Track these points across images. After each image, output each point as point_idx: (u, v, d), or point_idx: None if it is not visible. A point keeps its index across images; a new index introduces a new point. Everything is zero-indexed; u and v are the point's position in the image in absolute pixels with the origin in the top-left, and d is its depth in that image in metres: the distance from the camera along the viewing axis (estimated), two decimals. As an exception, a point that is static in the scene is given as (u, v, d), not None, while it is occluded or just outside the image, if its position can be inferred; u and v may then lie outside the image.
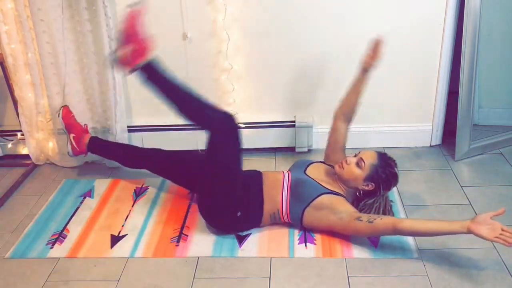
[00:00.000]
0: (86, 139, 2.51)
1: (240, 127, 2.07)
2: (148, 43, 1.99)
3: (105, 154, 2.58)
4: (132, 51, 1.97)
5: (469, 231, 1.74)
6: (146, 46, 2.00)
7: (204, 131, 2.06)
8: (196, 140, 2.75)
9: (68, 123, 2.50)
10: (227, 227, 2.13)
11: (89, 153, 2.55)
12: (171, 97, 2.06)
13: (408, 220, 1.91)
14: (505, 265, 1.90)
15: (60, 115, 2.49)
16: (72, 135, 2.50)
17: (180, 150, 2.57)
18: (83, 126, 2.55)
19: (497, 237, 1.70)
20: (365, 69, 2.26)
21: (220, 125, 2.03)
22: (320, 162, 2.28)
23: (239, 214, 2.06)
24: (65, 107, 2.52)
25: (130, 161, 2.52)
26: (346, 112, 2.33)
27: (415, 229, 1.84)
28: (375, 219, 1.90)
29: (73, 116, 2.54)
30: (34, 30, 2.44)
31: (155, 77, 2.04)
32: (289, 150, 2.82)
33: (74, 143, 2.49)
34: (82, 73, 2.61)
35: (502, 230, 1.71)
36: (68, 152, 2.54)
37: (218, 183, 2.05)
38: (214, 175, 2.06)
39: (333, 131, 2.37)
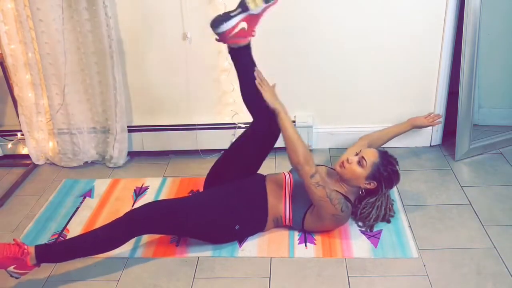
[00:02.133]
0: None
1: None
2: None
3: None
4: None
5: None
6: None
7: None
8: (196, 140, 2.75)
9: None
10: (228, 240, 2.11)
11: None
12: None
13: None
14: (505, 265, 1.90)
15: None
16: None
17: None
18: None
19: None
20: (415, 127, 2.56)
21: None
22: (322, 165, 2.27)
23: (237, 227, 2.05)
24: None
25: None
26: (372, 144, 2.39)
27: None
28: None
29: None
30: (34, 30, 2.44)
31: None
32: (289, 150, 2.82)
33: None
34: (82, 73, 2.61)
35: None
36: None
37: (213, 204, 2.03)
38: (227, 184, 2.09)
39: (354, 149, 2.29)
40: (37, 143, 2.76)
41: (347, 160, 2.08)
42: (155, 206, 2.01)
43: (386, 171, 2.05)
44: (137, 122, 2.80)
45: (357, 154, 2.09)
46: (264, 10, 2.01)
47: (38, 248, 1.88)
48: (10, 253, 1.82)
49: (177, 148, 2.78)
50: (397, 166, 2.09)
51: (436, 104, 2.69)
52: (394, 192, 2.37)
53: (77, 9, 2.44)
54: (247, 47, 2.07)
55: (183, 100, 2.73)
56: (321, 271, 1.92)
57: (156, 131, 2.77)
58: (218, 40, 2.05)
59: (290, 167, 2.30)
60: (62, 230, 2.24)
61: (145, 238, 2.15)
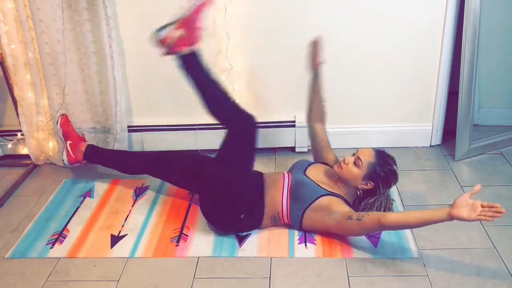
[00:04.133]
0: (83, 147, 2.50)
1: (258, 131, 2.10)
2: (199, 34, 1.98)
3: (102, 162, 2.54)
4: (181, 36, 1.97)
5: (451, 217, 1.73)
6: (197, 36, 2.00)
7: (225, 128, 2.11)
8: (196, 140, 2.75)
9: (66, 130, 2.50)
10: (229, 227, 2.13)
11: (84, 162, 2.52)
12: (202, 90, 2.08)
13: (392, 214, 1.92)
14: (505, 265, 1.90)
15: (59, 123, 2.50)
16: (69, 142, 2.49)
17: (179, 152, 2.56)
18: (80, 135, 2.55)
19: (478, 215, 1.69)
20: (314, 73, 2.34)
21: (243, 126, 2.06)
22: (320, 163, 2.28)
23: (242, 216, 2.06)
24: (64, 115, 2.53)
25: (128, 168, 2.48)
26: (317, 114, 2.39)
27: (399, 222, 1.84)
28: (363, 216, 1.89)
29: (72, 125, 2.55)
30: (34, 30, 2.44)
31: (193, 68, 2.07)
32: (289, 150, 2.82)
33: (70, 151, 2.48)
34: (82, 73, 2.61)
35: (482, 206, 1.70)
36: (63, 161, 2.52)
37: (227, 185, 2.05)
38: (225, 176, 2.06)
39: (314, 136, 2.39)
40: (37, 143, 2.76)
41: (344, 160, 2.08)
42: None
43: (383, 171, 2.04)
44: (137, 122, 2.80)
45: (354, 155, 2.10)
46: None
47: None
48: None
49: (177, 148, 2.78)
50: (394, 166, 2.08)
51: (436, 104, 2.69)
52: (394, 192, 2.37)
53: (77, 9, 2.44)
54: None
55: (183, 100, 2.73)
56: (321, 271, 1.92)
57: (156, 131, 2.77)
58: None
59: (289, 166, 2.31)
60: (62, 230, 2.24)
61: (145, 238, 2.15)
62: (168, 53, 2.03)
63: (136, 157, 2.49)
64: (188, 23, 1.98)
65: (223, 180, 2.06)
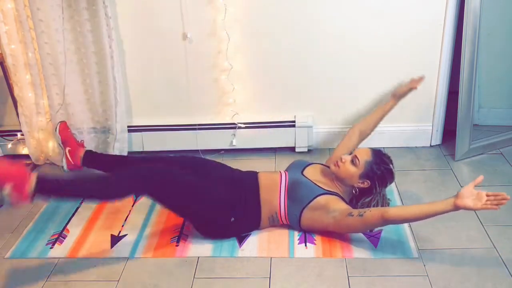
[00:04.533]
0: (81, 153, 2.49)
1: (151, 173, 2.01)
2: (20, 168, 1.80)
3: (101, 168, 2.45)
4: (12, 186, 1.75)
5: (456, 207, 1.75)
6: (22, 172, 1.79)
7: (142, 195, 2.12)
8: (196, 140, 2.75)
9: (65, 137, 2.51)
10: (225, 234, 2.12)
11: (84, 167, 2.50)
12: (83, 191, 1.93)
13: (395, 208, 1.93)
14: (505, 265, 1.90)
15: (57, 130, 2.51)
16: (68, 149, 2.50)
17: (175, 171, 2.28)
18: (79, 142, 2.56)
19: (484, 205, 1.71)
20: (399, 97, 2.47)
21: (142, 182, 1.96)
22: (318, 163, 2.27)
23: (232, 219, 2.05)
24: (63, 123, 2.55)
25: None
26: (364, 130, 2.42)
27: (403, 216, 1.85)
28: (364, 212, 1.91)
29: (70, 131, 2.56)
30: (34, 30, 2.44)
31: (51, 186, 1.88)
32: (289, 150, 2.82)
33: (69, 157, 2.49)
34: (82, 73, 2.61)
35: (487, 196, 1.72)
36: (62, 167, 2.54)
37: (196, 203, 2.03)
38: (193, 199, 2.03)
39: (346, 142, 2.39)
40: (37, 143, 2.76)
41: (341, 159, 2.09)
42: (160, 169, 2.04)
43: (379, 169, 2.06)
44: (137, 122, 2.80)
45: (350, 153, 2.10)
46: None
47: (41, 174, 1.85)
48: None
49: (177, 148, 2.78)
50: (390, 165, 2.09)
51: (436, 104, 2.69)
52: (394, 192, 2.37)
53: (77, 9, 2.44)
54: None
55: (183, 100, 2.73)
56: (321, 271, 1.92)
57: (156, 131, 2.77)
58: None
59: (287, 166, 2.31)
60: (62, 230, 2.24)
61: (145, 238, 2.15)
62: (31, 200, 1.81)
63: (135, 163, 2.33)
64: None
65: (197, 200, 2.03)
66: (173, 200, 2.04)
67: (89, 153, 2.50)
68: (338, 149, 2.38)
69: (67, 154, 2.49)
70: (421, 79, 2.49)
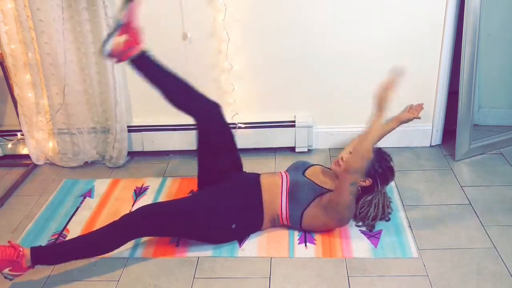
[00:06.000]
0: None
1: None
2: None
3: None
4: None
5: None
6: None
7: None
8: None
9: (131, 20, 2.04)
10: (226, 239, 2.11)
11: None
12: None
13: (346, 154, 2.08)
14: (505, 265, 1.90)
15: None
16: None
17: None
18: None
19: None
20: (402, 122, 2.54)
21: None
22: (318, 165, 2.27)
23: (233, 226, 2.05)
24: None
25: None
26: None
27: (356, 153, 1.88)
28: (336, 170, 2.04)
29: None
30: (34, 30, 2.44)
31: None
32: (289, 150, 2.82)
33: (122, 47, 2.05)
34: (82, 73, 2.61)
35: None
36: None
37: (207, 202, 2.04)
38: (204, 204, 2.04)
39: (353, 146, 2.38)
40: (37, 143, 2.76)
41: (342, 158, 2.10)
42: (149, 210, 1.99)
43: (381, 167, 2.06)
44: (137, 122, 2.80)
45: (351, 153, 2.10)
46: (129, 15, 1.99)
47: (34, 250, 1.87)
48: (5, 255, 1.82)
49: (177, 148, 2.78)
50: (391, 162, 2.10)
51: (436, 104, 2.69)
52: (394, 192, 2.37)
53: (77, 9, 2.44)
54: (144, 55, 2.06)
55: (183, 100, 2.73)
56: (321, 271, 1.92)
57: (156, 131, 2.77)
58: (117, 61, 2.08)
59: (287, 166, 2.31)
60: (62, 230, 2.24)
61: (145, 238, 2.15)
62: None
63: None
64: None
65: (202, 209, 2.03)
66: (174, 232, 2.06)
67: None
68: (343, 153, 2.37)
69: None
70: (420, 106, 2.60)
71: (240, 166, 2.30)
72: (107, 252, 1.97)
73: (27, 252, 1.86)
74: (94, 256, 2.00)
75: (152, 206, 2.03)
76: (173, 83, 2.12)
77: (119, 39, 1.99)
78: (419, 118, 2.57)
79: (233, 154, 2.25)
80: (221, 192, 2.09)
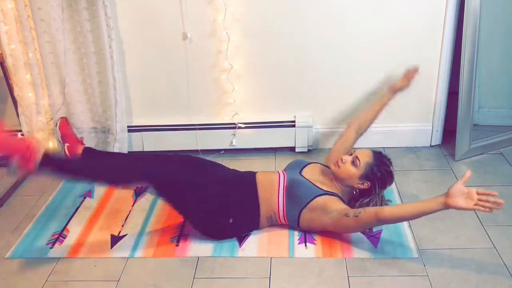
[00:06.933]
0: (80, 149, 2.49)
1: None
2: (28, 142, 1.93)
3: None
4: (20, 158, 1.89)
5: (447, 207, 1.71)
6: (29, 146, 1.92)
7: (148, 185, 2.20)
8: (196, 140, 2.75)
9: (64, 133, 2.50)
10: (225, 234, 2.12)
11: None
12: (92, 176, 2.08)
13: (388, 207, 1.91)
14: (505, 265, 1.90)
15: (57, 125, 2.51)
16: (66, 145, 2.49)
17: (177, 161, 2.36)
18: (79, 138, 2.56)
19: (476, 205, 1.67)
20: (396, 91, 2.43)
21: (152, 173, 2.08)
22: (317, 163, 2.27)
23: (231, 221, 2.05)
24: (63, 118, 2.55)
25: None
26: (361, 126, 2.40)
27: (396, 215, 1.84)
28: (360, 212, 1.90)
29: (71, 127, 2.57)
30: (35, 30, 2.44)
31: (58, 163, 2.04)
32: (289, 150, 2.82)
33: (68, 153, 2.48)
34: (82, 73, 2.61)
35: (478, 194, 1.67)
36: None
37: (200, 201, 2.05)
38: (195, 195, 2.06)
39: (343, 140, 2.38)
40: (37, 143, 2.75)
41: (341, 159, 2.09)
42: (162, 174, 2.09)
43: (380, 171, 2.06)
44: (137, 122, 2.80)
45: (351, 154, 2.10)
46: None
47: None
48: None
49: (177, 148, 2.78)
50: (391, 167, 2.10)
51: (436, 104, 2.69)
52: (394, 192, 2.37)
53: (77, 9, 2.44)
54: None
55: (183, 100, 2.73)
56: (321, 271, 1.92)
57: (156, 131, 2.77)
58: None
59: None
60: (62, 230, 2.24)
61: (145, 238, 2.15)
62: (36, 171, 1.95)
63: (132, 161, 2.42)
64: (7, 148, 1.92)
65: (196, 198, 2.05)
66: (175, 195, 2.07)
67: (88, 149, 2.50)
68: (336, 148, 2.37)
69: (66, 150, 2.48)
70: (416, 70, 2.45)
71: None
72: (105, 182, 2.17)
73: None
74: (101, 181, 2.16)
75: (163, 173, 2.11)
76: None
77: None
78: (413, 78, 2.43)
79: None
80: (221, 186, 2.09)
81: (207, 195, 2.05)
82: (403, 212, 1.84)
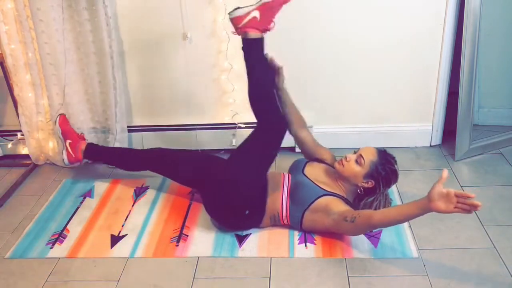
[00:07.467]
0: (83, 145, 2.51)
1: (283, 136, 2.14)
2: (272, 25, 2.07)
3: (104, 160, 2.59)
4: (255, 18, 2.00)
5: (429, 210, 1.68)
6: (269, 25, 2.06)
7: (257, 123, 2.13)
8: (196, 140, 2.75)
9: (65, 129, 2.50)
10: (231, 224, 2.13)
11: (84, 161, 2.56)
12: (254, 79, 2.11)
13: (379, 213, 1.87)
14: (505, 265, 1.90)
15: (57, 122, 2.50)
16: (68, 141, 2.50)
17: (179, 149, 2.54)
18: (79, 134, 2.56)
19: (456, 208, 1.62)
20: (279, 87, 2.27)
21: (275, 124, 2.12)
22: (322, 163, 2.26)
23: (247, 212, 2.06)
24: (62, 115, 2.54)
25: (129, 165, 2.50)
26: (297, 123, 2.34)
27: (385, 220, 1.82)
28: (355, 218, 1.87)
29: (70, 124, 2.56)
30: (34, 30, 2.44)
31: (254, 54, 2.10)
32: (289, 150, 2.82)
33: (70, 150, 2.50)
34: (82, 73, 2.61)
35: (456, 196, 1.62)
36: (63, 160, 2.53)
37: (236, 187, 2.04)
38: (237, 178, 2.06)
39: (302, 143, 2.36)
40: (37, 143, 2.76)
41: (346, 158, 2.08)
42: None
43: (384, 170, 2.05)
44: (137, 122, 2.80)
45: (355, 153, 2.10)
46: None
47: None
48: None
49: (177, 148, 2.78)
50: (395, 165, 2.09)
51: (436, 104, 2.69)
52: (394, 193, 2.37)
53: (77, 9, 2.44)
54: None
55: (183, 100, 2.73)
56: (321, 271, 1.92)
57: (156, 131, 2.77)
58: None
59: (288, 166, 2.31)
60: (62, 230, 2.24)
61: (145, 238, 2.15)
62: (237, 32, 2.06)
63: (136, 153, 2.51)
64: (268, 9, 1.99)
65: (234, 182, 2.05)
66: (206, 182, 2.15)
67: (90, 146, 2.52)
68: (306, 152, 2.36)
69: (68, 146, 2.49)
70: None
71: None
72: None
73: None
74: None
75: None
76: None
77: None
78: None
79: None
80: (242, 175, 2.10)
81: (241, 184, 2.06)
82: (392, 217, 1.80)
